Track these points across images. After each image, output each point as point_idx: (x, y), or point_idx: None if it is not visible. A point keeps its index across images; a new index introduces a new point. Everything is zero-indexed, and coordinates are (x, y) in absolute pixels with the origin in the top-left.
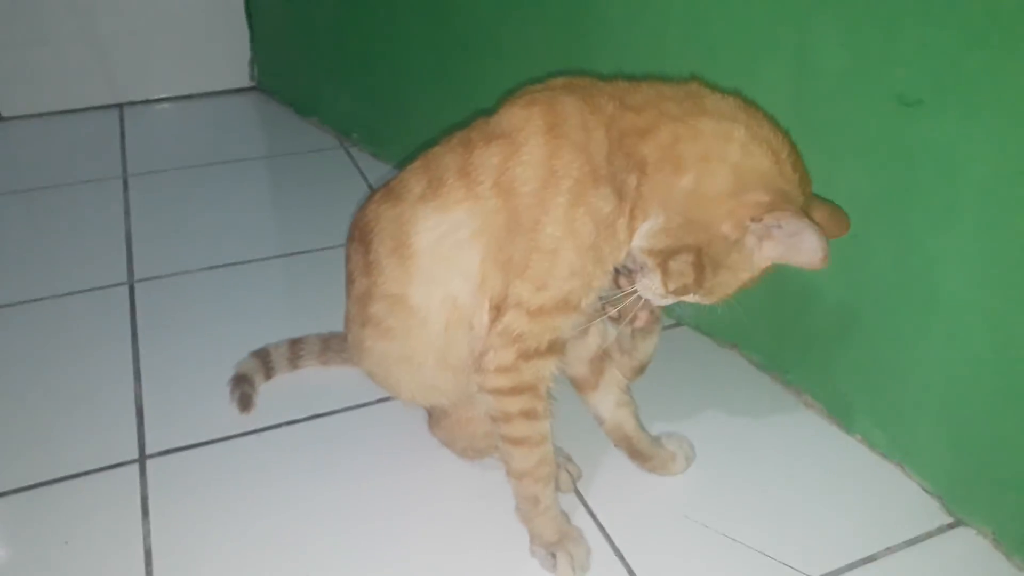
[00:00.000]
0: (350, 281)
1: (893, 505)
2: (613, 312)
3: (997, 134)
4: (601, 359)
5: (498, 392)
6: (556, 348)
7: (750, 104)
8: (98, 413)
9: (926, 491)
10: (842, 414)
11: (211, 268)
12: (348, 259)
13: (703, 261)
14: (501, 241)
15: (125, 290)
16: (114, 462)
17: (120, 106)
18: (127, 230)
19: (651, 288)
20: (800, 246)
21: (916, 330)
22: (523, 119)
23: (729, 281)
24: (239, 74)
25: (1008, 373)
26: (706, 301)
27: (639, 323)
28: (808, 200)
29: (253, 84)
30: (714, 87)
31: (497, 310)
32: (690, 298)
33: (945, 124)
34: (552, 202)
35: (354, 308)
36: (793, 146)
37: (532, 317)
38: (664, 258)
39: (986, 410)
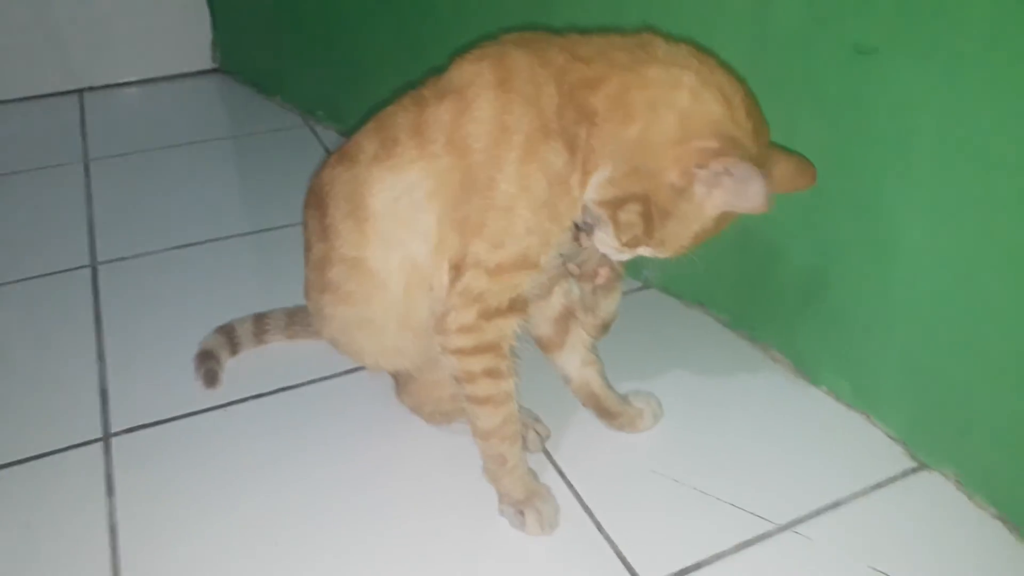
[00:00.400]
0: (308, 248)
1: (858, 452)
2: (574, 268)
3: (949, 79)
4: (566, 318)
5: (460, 352)
6: (518, 306)
7: (704, 52)
8: (61, 395)
9: (890, 437)
10: (808, 367)
11: (175, 248)
12: (305, 226)
13: (651, 211)
14: (456, 200)
15: (88, 273)
16: (77, 442)
17: (80, 92)
18: (89, 214)
19: (605, 241)
20: (745, 191)
21: (877, 280)
22: (472, 74)
23: (680, 232)
24: (201, 56)
25: (968, 320)
26: (661, 254)
27: (600, 280)
28: (767, 150)
29: (215, 66)
30: (668, 36)
31: (456, 270)
32: (645, 251)
33: (900, 71)
34: (505, 159)
35: (312, 274)
36: (749, 94)
37: (491, 276)
38: (614, 209)
39: (947, 357)
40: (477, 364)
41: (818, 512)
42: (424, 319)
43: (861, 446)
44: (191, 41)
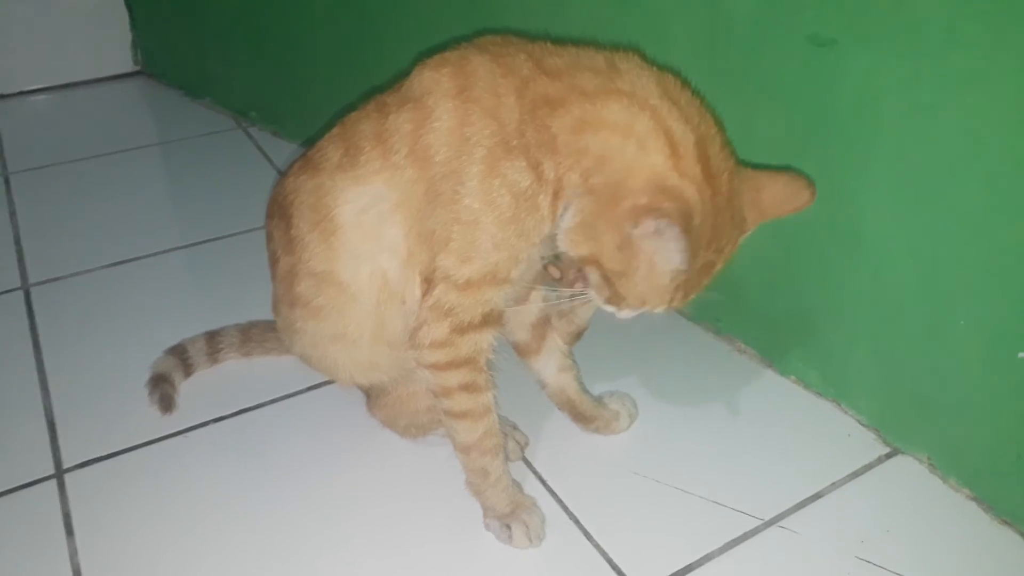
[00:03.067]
0: (273, 261)
1: (832, 441)
2: (555, 272)
3: (906, 69)
4: (543, 324)
5: (435, 367)
6: (492, 320)
7: (677, 81)
8: (5, 430)
9: (862, 424)
10: (775, 357)
11: (112, 265)
12: (269, 238)
13: (608, 275)
14: (422, 213)
15: (20, 295)
16: (28, 480)
17: None
18: (15, 232)
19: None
20: (665, 249)
21: (842, 269)
22: (432, 82)
23: (652, 288)
24: (121, 59)
25: (933, 305)
26: (657, 309)
27: (579, 286)
28: (733, 186)
29: (137, 68)
30: (645, 60)
31: (428, 283)
32: (634, 310)
33: (858, 62)
34: (467, 172)
35: (280, 288)
36: (712, 131)
37: (461, 291)
38: (580, 267)
39: (915, 342)
40: (453, 378)
41: (801, 505)
42: (399, 331)
43: (835, 434)
44: (109, 42)
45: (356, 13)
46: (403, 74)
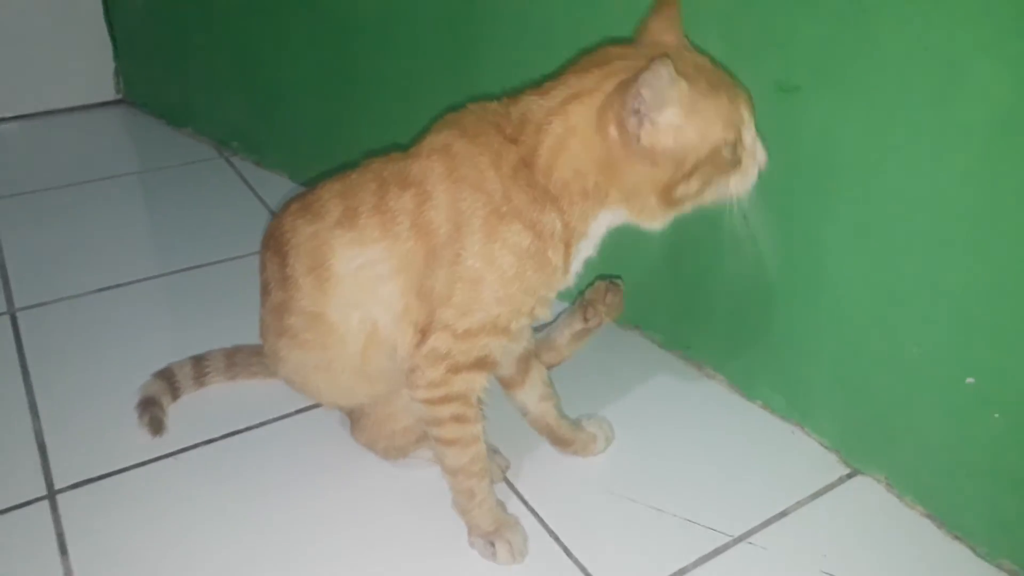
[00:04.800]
0: (266, 291)
1: (796, 462)
2: (594, 320)
3: (866, 115)
4: (527, 358)
5: (428, 401)
6: (485, 364)
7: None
8: None
9: (824, 447)
10: (742, 383)
11: (97, 291)
12: (263, 267)
13: (667, 192)
14: (421, 275)
15: (7, 320)
16: (20, 501)
17: None
18: (0, 258)
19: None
20: (659, 94)
21: (805, 301)
22: (427, 170)
23: (702, 138)
24: (103, 87)
25: (888, 335)
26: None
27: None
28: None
29: (119, 97)
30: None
31: (422, 334)
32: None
33: (820, 107)
34: (468, 239)
35: (270, 317)
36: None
37: (459, 339)
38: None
39: (872, 369)
40: (445, 411)
41: (768, 522)
42: (382, 369)
43: (799, 456)
44: (92, 71)
45: (337, 45)
46: (386, 116)
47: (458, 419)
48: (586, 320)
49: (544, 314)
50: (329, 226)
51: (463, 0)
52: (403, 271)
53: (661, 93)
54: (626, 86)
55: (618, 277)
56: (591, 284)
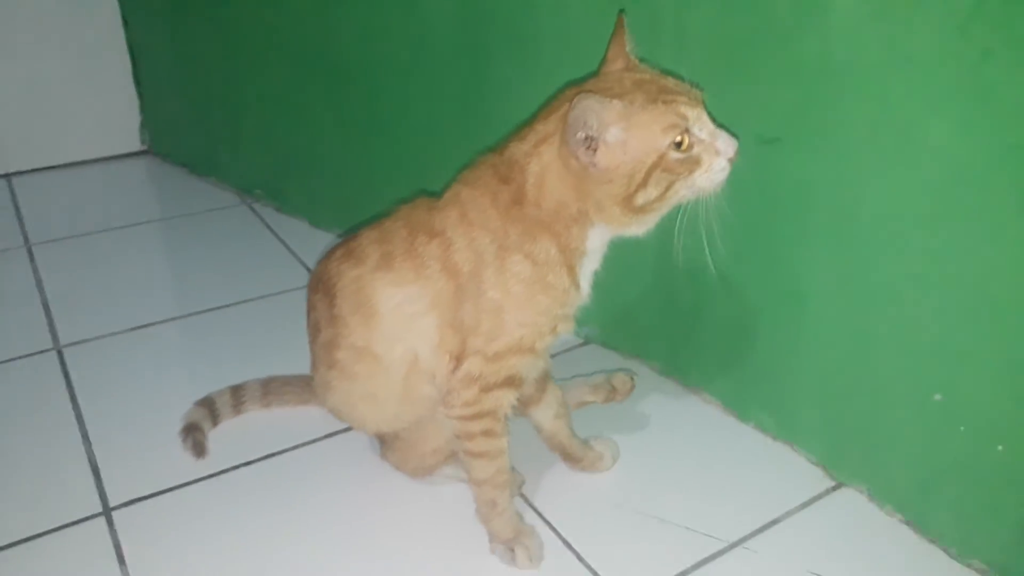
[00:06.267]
0: (316, 328)
1: (786, 477)
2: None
3: (839, 165)
4: (544, 379)
5: (461, 418)
6: (514, 382)
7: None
8: (53, 474)
9: (811, 462)
10: (736, 406)
11: (135, 328)
12: (313, 307)
13: (627, 201)
14: (453, 308)
15: (54, 355)
16: (79, 517)
17: (7, 176)
18: (42, 298)
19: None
20: (594, 119)
21: (789, 331)
22: (446, 219)
23: (644, 149)
24: (129, 138)
25: (864, 357)
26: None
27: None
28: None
29: (144, 148)
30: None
31: (457, 361)
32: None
33: (798, 159)
34: (485, 274)
35: (321, 352)
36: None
37: (489, 361)
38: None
39: (851, 390)
40: (476, 426)
41: (760, 529)
42: (423, 394)
43: (787, 471)
44: (119, 123)
45: (355, 98)
46: (403, 165)
47: (487, 433)
48: (604, 402)
49: (567, 329)
50: (370, 269)
51: (476, 58)
52: (437, 307)
53: (599, 117)
54: (565, 126)
55: (633, 372)
56: (615, 373)
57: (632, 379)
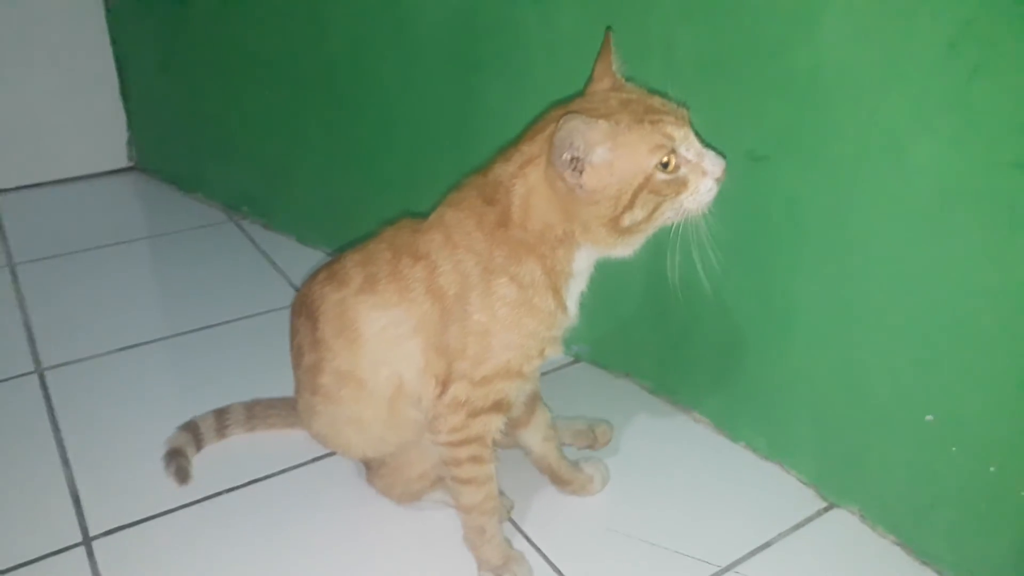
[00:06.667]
0: (299, 353)
1: (777, 498)
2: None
3: (828, 181)
4: (533, 401)
5: (448, 444)
6: (501, 407)
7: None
8: (32, 502)
9: (803, 483)
10: (727, 426)
11: (119, 350)
12: (296, 331)
13: (615, 224)
14: (438, 332)
15: (35, 379)
16: (58, 547)
17: None
18: (24, 318)
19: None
20: (582, 140)
21: (780, 349)
22: (430, 242)
23: (632, 170)
24: (116, 155)
25: (855, 378)
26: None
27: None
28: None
29: (131, 164)
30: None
31: (443, 385)
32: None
33: (788, 175)
34: (470, 296)
35: (304, 377)
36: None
37: (476, 386)
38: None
39: (843, 410)
40: (463, 452)
41: (753, 552)
42: (408, 418)
43: (779, 492)
44: (106, 139)
45: (344, 116)
46: (390, 182)
47: (475, 460)
48: (580, 449)
49: (554, 352)
50: (354, 292)
51: (465, 76)
52: (421, 330)
53: (585, 137)
54: (551, 147)
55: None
56: (598, 423)
57: (612, 430)
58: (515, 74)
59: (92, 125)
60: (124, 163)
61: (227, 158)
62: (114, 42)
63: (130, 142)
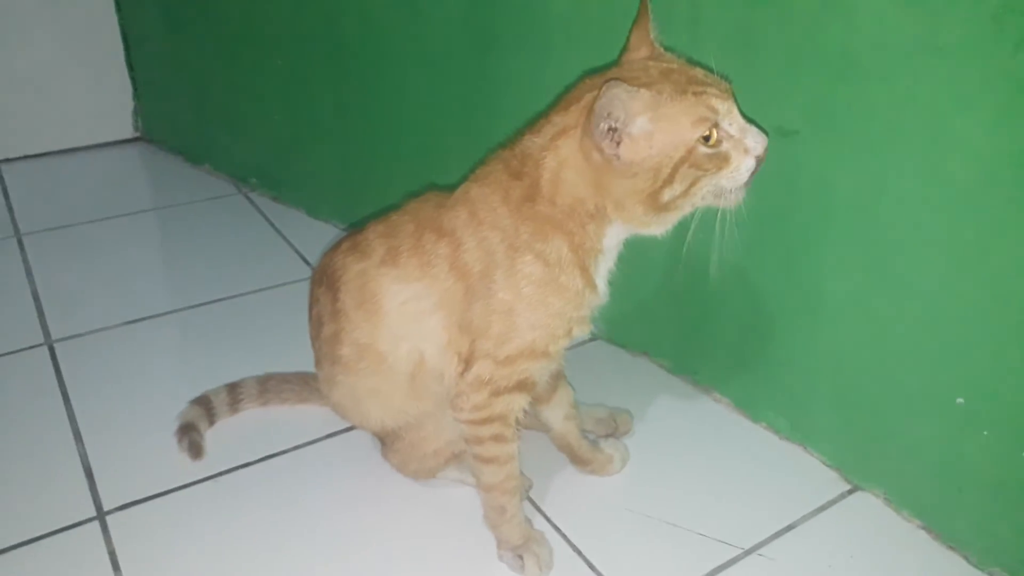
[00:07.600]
0: (319, 323)
1: (800, 479)
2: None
3: (860, 159)
4: (556, 378)
5: (471, 422)
6: (525, 387)
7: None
8: (46, 476)
9: (826, 465)
10: (748, 406)
11: (129, 323)
12: (316, 301)
13: (653, 199)
14: (461, 309)
15: (45, 351)
16: (73, 522)
17: None
18: (33, 291)
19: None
20: (622, 110)
21: (805, 327)
22: (455, 218)
23: (674, 143)
24: (122, 125)
25: (883, 358)
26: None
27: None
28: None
29: (138, 134)
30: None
31: (466, 363)
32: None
33: (818, 151)
34: (496, 273)
35: (325, 347)
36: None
37: (501, 365)
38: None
39: (869, 391)
40: (486, 431)
41: (776, 535)
42: (430, 391)
43: (802, 474)
44: (112, 109)
45: (355, 86)
46: (402, 154)
47: (497, 439)
48: (600, 436)
49: (583, 332)
50: (375, 264)
51: (482, 45)
52: (444, 307)
53: (626, 107)
54: (589, 116)
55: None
56: (620, 412)
57: (632, 420)
58: (532, 48)
59: (97, 94)
60: (130, 133)
61: (235, 130)
62: (119, 10)
63: (136, 112)
